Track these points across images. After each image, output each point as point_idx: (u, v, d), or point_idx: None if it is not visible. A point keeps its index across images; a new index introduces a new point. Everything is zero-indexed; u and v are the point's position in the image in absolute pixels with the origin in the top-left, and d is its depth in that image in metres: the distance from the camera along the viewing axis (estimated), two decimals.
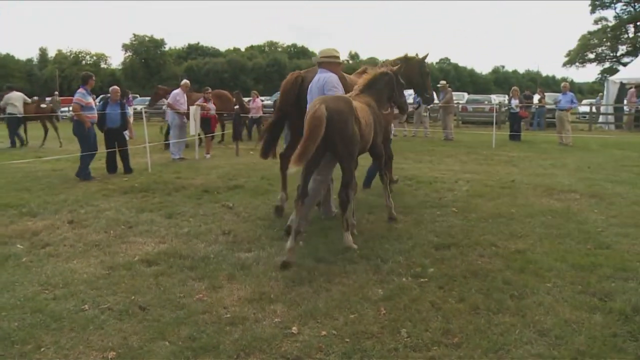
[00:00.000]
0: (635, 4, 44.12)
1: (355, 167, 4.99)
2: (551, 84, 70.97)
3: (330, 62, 5.48)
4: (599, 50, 48.13)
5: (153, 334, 3.19)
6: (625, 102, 22.04)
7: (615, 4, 45.64)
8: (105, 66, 68.28)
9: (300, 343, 3.07)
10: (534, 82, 65.72)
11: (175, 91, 12.40)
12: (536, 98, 21.67)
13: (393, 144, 7.95)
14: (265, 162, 10.17)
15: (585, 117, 24.18)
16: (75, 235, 5.32)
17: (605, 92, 23.91)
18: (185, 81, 12.83)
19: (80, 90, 8.96)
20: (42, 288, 3.91)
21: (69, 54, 65.80)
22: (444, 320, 3.33)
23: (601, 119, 23.33)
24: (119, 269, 4.32)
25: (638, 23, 44.83)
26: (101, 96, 13.43)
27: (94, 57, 67.63)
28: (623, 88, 22.26)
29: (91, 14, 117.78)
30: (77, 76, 43.95)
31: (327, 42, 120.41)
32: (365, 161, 6.17)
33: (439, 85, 17.00)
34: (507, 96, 26.04)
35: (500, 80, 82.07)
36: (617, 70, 35.91)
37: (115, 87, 10.06)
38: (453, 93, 19.59)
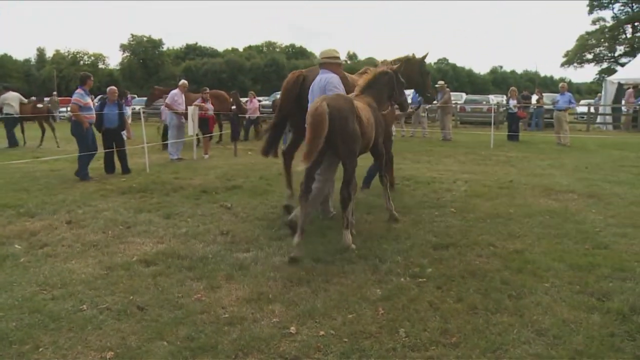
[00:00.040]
0: (633, 4, 44.22)
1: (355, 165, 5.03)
2: (549, 84, 71.08)
3: (331, 62, 5.51)
4: (597, 50, 48.22)
5: (151, 334, 3.19)
6: (623, 102, 22.09)
7: (613, 4, 45.77)
8: (103, 66, 68.10)
9: (299, 343, 3.07)
10: (532, 82, 65.79)
11: (173, 91, 12.38)
12: (534, 98, 21.69)
13: None
14: (264, 163, 10.19)
15: (583, 117, 24.25)
16: (73, 236, 5.31)
17: (603, 93, 23.96)
18: (183, 81, 12.81)
19: (79, 90, 8.95)
20: (40, 288, 3.91)
21: (66, 54, 65.58)
22: (442, 320, 3.33)
23: (599, 119, 23.39)
24: (117, 269, 4.32)
25: (636, 23, 44.94)
26: (99, 96, 13.42)
27: (92, 58, 67.41)
28: (621, 88, 22.31)
29: (89, 14, 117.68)
30: (75, 76, 43.90)
31: (327, 42, 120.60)
32: (364, 161, 6.17)
33: (437, 86, 16.99)
34: (505, 96, 26.06)
35: (499, 81, 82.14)
36: (615, 71, 35.99)
37: (113, 87, 10.05)
38: (451, 93, 19.62)
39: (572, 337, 3.10)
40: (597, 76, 49.25)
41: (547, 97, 24.69)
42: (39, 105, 16.33)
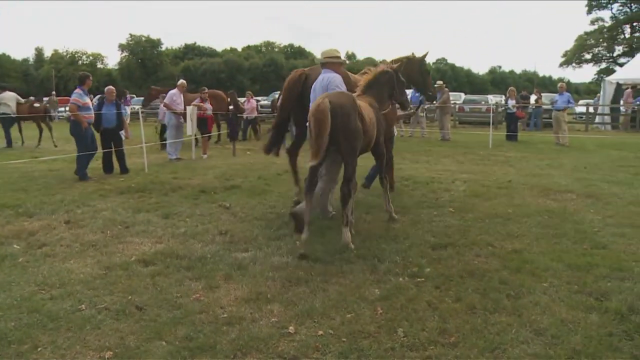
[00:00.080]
0: (632, 4, 44.28)
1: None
2: (548, 84, 71.10)
3: (333, 62, 5.54)
4: (596, 50, 48.29)
5: (150, 333, 3.19)
6: (621, 102, 22.11)
7: (611, 4, 45.83)
8: (101, 66, 68.03)
9: (297, 343, 3.07)
10: (530, 82, 65.92)
11: (171, 91, 12.36)
12: (533, 98, 21.71)
13: None
14: (262, 163, 10.20)
15: (581, 117, 24.27)
16: (71, 236, 5.31)
17: (601, 93, 23.99)
18: (181, 81, 12.80)
19: (78, 90, 8.94)
20: (39, 288, 3.90)
21: (65, 53, 65.51)
22: (441, 320, 3.33)
23: (597, 119, 23.41)
24: (116, 269, 4.31)
25: (634, 23, 45.02)
26: (98, 96, 13.39)
27: (91, 57, 67.36)
28: (619, 88, 22.34)
29: (87, 14, 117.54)
30: (74, 76, 43.93)
31: (327, 42, 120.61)
32: (364, 161, 6.18)
33: (435, 86, 17.01)
34: (504, 96, 26.07)
35: (497, 81, 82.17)
36: (613, 71, 36.00)
37: (111, 87, 10.03)
38: (450, 93, 19.63)
39: (570, 336, 3.10)
40: (596, 76, 49.37)
41: (546, 97, 24.69)
42: (36, 105, 16.30)
